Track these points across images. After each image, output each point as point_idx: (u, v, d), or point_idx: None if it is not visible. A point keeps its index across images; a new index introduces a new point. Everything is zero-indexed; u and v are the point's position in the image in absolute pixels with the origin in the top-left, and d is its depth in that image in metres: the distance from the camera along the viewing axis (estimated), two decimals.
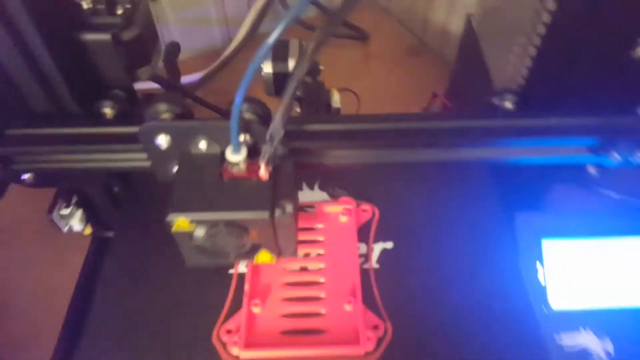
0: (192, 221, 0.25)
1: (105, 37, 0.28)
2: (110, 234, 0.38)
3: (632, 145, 0.31)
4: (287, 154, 0.27)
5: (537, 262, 0.37)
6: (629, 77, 0.33)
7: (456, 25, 0.65)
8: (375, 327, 0.31)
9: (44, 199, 0.39)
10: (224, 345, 0.30)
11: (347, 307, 0.32)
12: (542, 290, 0.36)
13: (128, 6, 0.29)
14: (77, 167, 0.30)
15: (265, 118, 0.28)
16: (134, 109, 0.31)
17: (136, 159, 0.29)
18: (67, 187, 0.35)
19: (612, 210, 0.40)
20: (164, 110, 0.27)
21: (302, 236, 0.35)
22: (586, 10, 0.29)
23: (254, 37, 0.66)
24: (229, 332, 0.30)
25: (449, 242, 0.35)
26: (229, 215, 0.25)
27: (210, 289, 0.33)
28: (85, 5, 0.28)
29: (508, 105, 0.34)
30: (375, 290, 0.33)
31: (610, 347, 0.35)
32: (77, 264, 0.40)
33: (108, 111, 0.30)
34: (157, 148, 0.27)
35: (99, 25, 0.28)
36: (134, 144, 0.28)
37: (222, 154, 0.27)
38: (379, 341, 0.30)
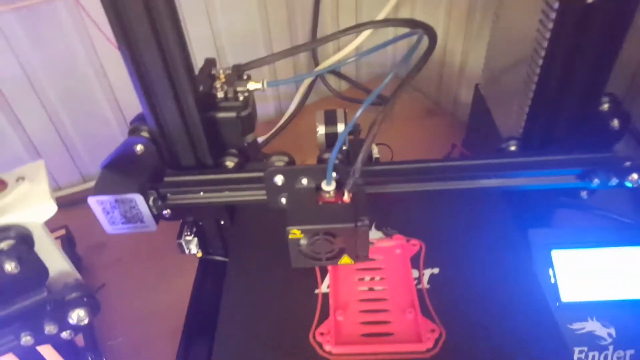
0: (302, 231, 0.36)
1: (232, 115, 0.42)
2: (216, 257, 0.49)
3: (609, 174, 0.41)
4: (362, 184, 0.38)
5: (549, 268, 0.46)
6: (599, 124, 0.45)
7: (465, 93, 0.79)
8: (432, 330, 0.39)
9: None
10: (319, 344, 0.38)
11: (409, 316, 0.40)
12: (555, 288, 0.45)
13: (246, 94, 0.43)
14: (211, 202, 0.42)
15: (344, 162, 0.41)
16: (245, 162, 0.44)
17: (255, 195, 0.41)
18: (191, 220, 0.47)
19: (604, 226, 0.51)
20: (278, 160, 0.40)
21: (367, 265, 0.44)
22: (563, 76, 0.41)
23: (301, 109, 0.82)
24: (322, 334, 0.39)
25: (480, 260, 0.44)
26: (326, 226, 0.36)
27: (303, 305, 0.41)
28: (219, 95, 0.43)
29: (512, 148, 0.46)
30: (429, 303, 0.41)
31: (612, 331, 0.44)
32: (187, 282, 0.52)
33: (229, 163, 0.43)
34: (274, 185, 0.39)
35: (227, 107, 0.42)
36: (251, 184, 0.41)
37: (317, 187, 0.38)
38: (436, 341, 0.38)
